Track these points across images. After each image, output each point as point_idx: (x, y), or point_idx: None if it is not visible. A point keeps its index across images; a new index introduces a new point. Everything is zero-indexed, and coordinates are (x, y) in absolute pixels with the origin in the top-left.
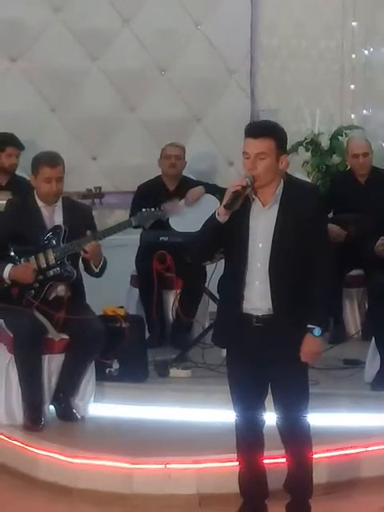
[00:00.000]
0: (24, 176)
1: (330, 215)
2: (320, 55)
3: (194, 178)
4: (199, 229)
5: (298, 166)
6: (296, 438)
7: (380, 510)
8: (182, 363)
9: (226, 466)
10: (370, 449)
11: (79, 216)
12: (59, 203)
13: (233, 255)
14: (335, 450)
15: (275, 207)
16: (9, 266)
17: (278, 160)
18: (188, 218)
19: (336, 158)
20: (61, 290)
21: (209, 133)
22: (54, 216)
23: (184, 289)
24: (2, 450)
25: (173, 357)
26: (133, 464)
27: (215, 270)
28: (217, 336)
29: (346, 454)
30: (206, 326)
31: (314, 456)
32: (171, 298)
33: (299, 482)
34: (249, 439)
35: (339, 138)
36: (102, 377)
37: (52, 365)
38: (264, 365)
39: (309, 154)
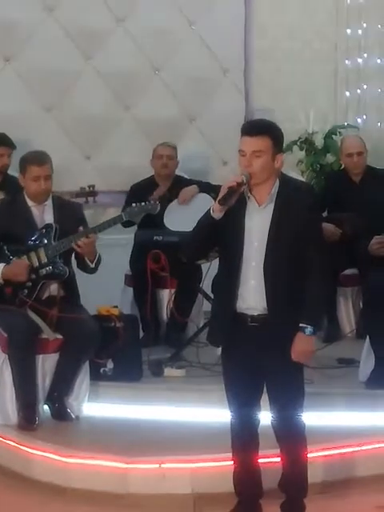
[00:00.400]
0: (16, 176)
1: (324, 214)
2: (313, 57)
3: (188, 177)
4: (194, 227)
5: (293, 165)
6: (291, 437)
7: (375, 509)
8: (176, 362)
9: (220, 466)
10: (364, 448)
11: (70, 214)
12: (49, 202)
13: (228, 254)
14: (330, 449)
15: (271, 206)
16: (1, 266)
17: (274, 159)
18: (182, 216)
19: (330, 157)
20: (54, 289)
21: (203, 132)
22: (44, 215)
23: (179, 288)
24: None
25: (167, 356)
26: (127, 464)
27: (209, 270)
28: (212, 335)
29: (340, 453)
30: (201, 326)
31: (309, 455)
32: (165, 298)
33: (294, 482)
34: (244, 438)
35: (333, 137)
36: (96, 376)
37: (46, 364)
38: (259, 364)
39: (303, 153)
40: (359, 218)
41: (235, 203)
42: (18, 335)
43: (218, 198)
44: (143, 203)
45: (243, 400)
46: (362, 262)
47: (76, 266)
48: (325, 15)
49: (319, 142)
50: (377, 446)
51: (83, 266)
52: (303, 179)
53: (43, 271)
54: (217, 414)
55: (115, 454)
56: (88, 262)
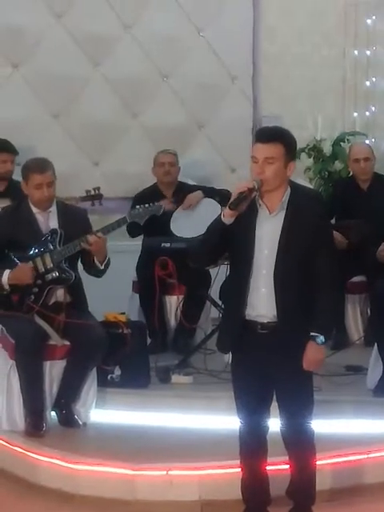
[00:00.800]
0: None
1: (332, 221)
2: (322, 62)
3: (191, 183)
4: (203, 232)
5: (300, 172)
6: (300, 444)
7: None
8: (183, 369)
9: (228, 473)
10: (372, 455)
11: (75, 219)
12: (54, 208)
13: (238, 261)
14: (338, 456)
15: (282, 214)
16: (6, 272)
17: (286, 166)
18: (189, 223)
19: (338, 164)
20: (60, 295)
21: (211, 139)
22: (49, 221)
23: (187, 295)
24: (3, 455)
25: (174, 363)
26: (135, 470)
27: (217, 276)
28: (221, 342)
29: (348, 461)
30: (209, 332)
31: (317, 463)
32: (173, 304)
33: (302, 489)
34: (252, 446)
35: (341, 144)
36: (103, 383)
37: (54, 371)
38: (268, 371)
39: (311, 160)
40: (367, 225)
41: (246, 210)
42: (25, 341)
43: (228, 203)
44: (147, 205)
45: (253, 408)
46: (369, 269)
47: (83, 270)
48: (333, 20)
49: (327, 149)
50: None
51: (91, 268)
52: (311, 186)
53: (49, 276)
54: (224, 420)
55: (122, 460)
56: (97, 262)
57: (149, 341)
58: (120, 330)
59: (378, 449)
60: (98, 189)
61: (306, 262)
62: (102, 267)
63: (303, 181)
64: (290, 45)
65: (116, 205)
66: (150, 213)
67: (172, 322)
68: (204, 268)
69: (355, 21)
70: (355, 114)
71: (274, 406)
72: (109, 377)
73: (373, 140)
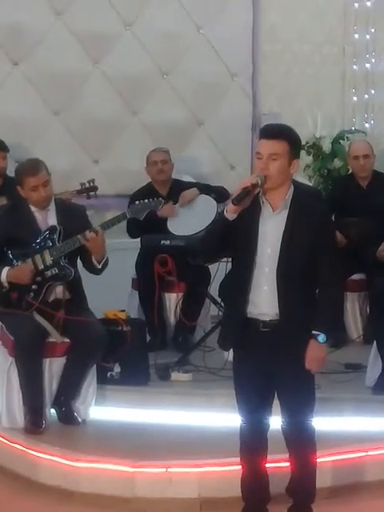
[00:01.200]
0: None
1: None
2: (322, 60)
3: (186, 180)
4: (200, 230)
5: (300, 170)
6: (301, 442)
7: None
8: (183, 367)
9: (227, 470)
10: (371, 453)
11: (73, 216)
12: (52, 206)
13: (241, 259)
14: (337, 454)
15: (285, 212)
16: (5, 269)
17: (290, 163)
18: (185, 220)
19: (337, 162)
20: (59, 292)
21: (211, 137)
22: (47, 219)
23: (187, 292)
24: (2, 453)
25: (174, 360)
26: (134, 468)
27: (217, 274)
28: (223, 339)
29: (347, 459)
30: (208, 330)
31: (317, 460)
32: (172, 302)
33: (302, 487)
34: (253, 443)
35: (341, 141)
36: (103, 380)
37: (53, 368)
38: (270, 369)
39: (310, 157)
40: (366, 223)
41: (249, 207)
42: (24, 339)
43: (232, 198)
44: (146, 200)
45: (254, 406)
46: (368, 267)
47: (82, 267)
48: (334, 19)
49: (327, 146)
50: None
51: (89, 266)
52: (310, 184)
53: (49, 273)
54: (224, 418)
55: (122, 457)
56: (95, 261)
57: (148, 338)
58: (120, 328)
59: (377, 447)
60: (93, 181)
61: (309, 260)
62: (100, 267)
63: (303, 178)
64: (289, 42)
65: (116, 202)
66: (149, 208)
67: (171, 319)
68: (205, 264)
69: (355, 19)
70: (354, 106)
71: (275, 404)
72: (108, 374)
73: (372, 122)
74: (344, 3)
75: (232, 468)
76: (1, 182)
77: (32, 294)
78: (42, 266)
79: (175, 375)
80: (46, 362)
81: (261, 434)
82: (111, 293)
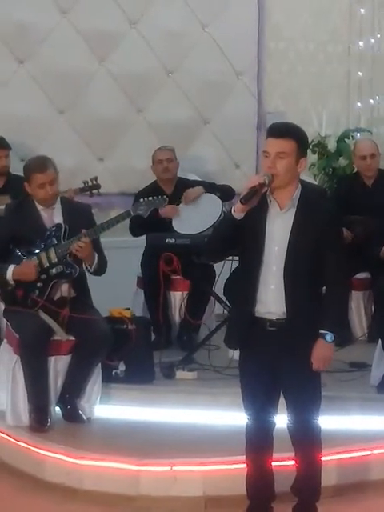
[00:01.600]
0: (19, 174)
1: None
2: (327, 59)
3: (191, 178)
4: (204, 228)
5: (305, 169)
6: (307, 440)
7: None
8: (187, 365)
9: (232, 468)
10: (376, 452)
11: (79, 214)
12: (58, 204)
13: (248, 257)
14: (342, 452)
15: (292, 211)
16: (11, 267)
17: (298, 162)
18: (190, 219)
19: (343, 161)
20: (65, 290)
21: (216, 135)
22: (53, 217)
23: (192, 291)
24: (8, 451)
25: (179, 359)
26: (139, 466)
27: (222, 272)
28: (230, 338)
29: (352, 457)
30: (213, 328)
31: (322, 459)
32: (177, 300)
33: (308, 485)
34: (259, 442)
35: (346, 140)
36: (108, 378)
37: (58, 366)
38: (277, 368)
39: (315, 156)
40: (371, 222)
41: (257, 206)
42: (29, 337)
43: (240, 198)
44: (150, 198)
45: (260, 404)
46: (373, 265)
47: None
48: (338, 17)
49: (332, 145)
50: None
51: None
52: (315, 182)
53: (54, 271)
54: (228, 416)
55: (127, 456)
56: (86, 265)
57: (153, 336)
58: (125, 326)
59: (382, 445)
60: (96, 179)
61: (316, 258)
62: (91, 270)
63: (308, 177)
64: (294, 41)
65: (120, 200)
66: (153, 205)
67: (176, 317)
68: (210, 263)
69: (360, 17)
70: (360, 108)
71: (281, 402)
72: (113, 372)
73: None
74: (349, 1)
75: (237, 466)
76: (4, 180)
77: (37, 291)
78: (48, 264)
79: (180, 374)
80: (51, 360)
81: (266, 433)
82: (116, 291)
